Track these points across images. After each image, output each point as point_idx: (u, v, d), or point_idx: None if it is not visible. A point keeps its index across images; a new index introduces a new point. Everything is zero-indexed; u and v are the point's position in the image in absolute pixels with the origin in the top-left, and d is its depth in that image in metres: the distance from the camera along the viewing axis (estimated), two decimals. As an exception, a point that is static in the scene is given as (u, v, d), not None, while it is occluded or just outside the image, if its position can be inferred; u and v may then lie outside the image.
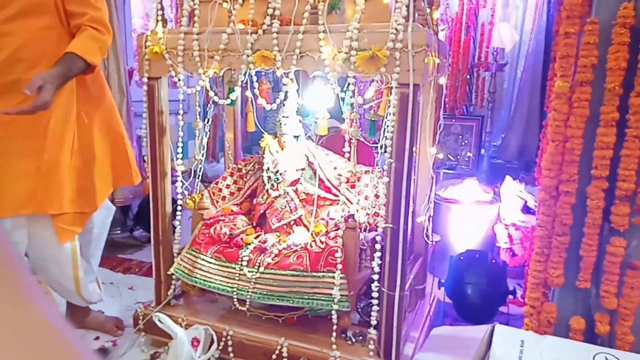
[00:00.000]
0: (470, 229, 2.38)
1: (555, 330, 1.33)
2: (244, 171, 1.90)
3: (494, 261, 2.01)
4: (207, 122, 1.71)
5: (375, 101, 1.46)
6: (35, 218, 1.52)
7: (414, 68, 1.24)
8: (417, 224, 1.74)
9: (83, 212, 1.58)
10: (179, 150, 1.63)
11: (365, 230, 1.52)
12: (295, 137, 1.77)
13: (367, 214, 1.57)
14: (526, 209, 2.41)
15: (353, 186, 1.67)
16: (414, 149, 1.32)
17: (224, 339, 1.57)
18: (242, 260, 1.55)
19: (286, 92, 1.55)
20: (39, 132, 1.45)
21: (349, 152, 1.47)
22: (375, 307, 1.40)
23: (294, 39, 1.35)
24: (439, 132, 1.75)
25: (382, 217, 1.37)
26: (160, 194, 1.66)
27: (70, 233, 1.56)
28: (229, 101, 1.55)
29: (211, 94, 1.51)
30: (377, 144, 1.53)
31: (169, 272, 1.67)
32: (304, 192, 1.75)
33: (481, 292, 1.91)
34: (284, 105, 1.71)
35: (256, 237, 1.66)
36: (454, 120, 3.67)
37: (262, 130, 1.89)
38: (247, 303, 1.54)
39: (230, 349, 1.56)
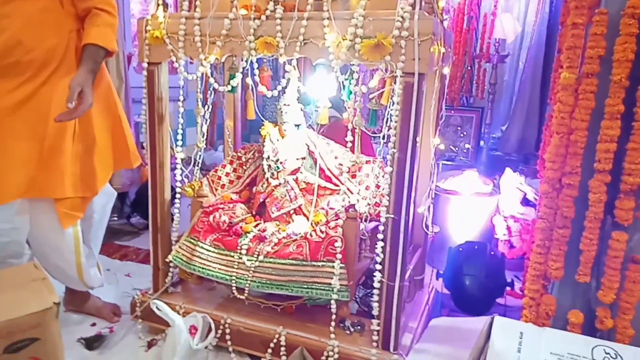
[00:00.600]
0: (469, 221, 2.38)
1: (554, 323, 1.34)
2: (243, 159, 1.88)
3: (492, 253, 2.01)
4: (208, 109, 1.69)
5: (378, 91, 1.44)
6: (37, 203, 1.51)
7: (420, 57, 1.22)
8: (417, 214, 1.73)
9: (84, 197, 1.57)
10: (179, 137, 1.61)
11: (365, 221, 1.51)
12: (296, 125, 1.76)
13: (368, 204, 1.56)
14: (525, 202, 2.41)
15: (354, 176, 1.66)
16: (417, 139, 1.31)
17: (221, 327, 1.57)
18: (241, 249, 1.54)
19: (288, 80, 1.54)
20: (41, 117, 1.44)
21: (352, 142, 1.45)
22: (376, 297, 1.40)
23: (298, 25, 1.33)
24: (440, 123, 1.74)
25: (382, 207, 1.36)
26: (159, 181, 1.64)
27: (72, 218, 1.55)
28: (229, 88, 1.53)
29: (212, 80, 1.49)
30: (376, 133, 1.52)
31: (167, 260, 1.66)
32: (304, 181, 1.74)
33: (479, 283, 1.91)
34: (284, 93, 1.69)
35: (255, 226, 1.65)
36: (453, 112, 3.65)
37: (262, 118, 1.87)
38: (246, 291, 1.53)
39: (228, 337, 1.56)
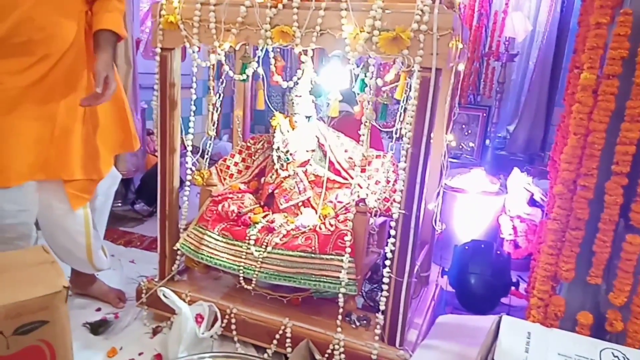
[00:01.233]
0: (475, 219, 2.38)
1: (562, 323, 1.33)
2: (252, 149, 1.87)
3: (498, 252, 2.01)
4: (219, 97, 1.68)
5: (391, 85, 1.43)
6: (46, 185, 1.52)
7: (438, 52, 1.21)
8: (426, 211, 1.73)
9: (92, 180, 1.58)
10: (190, 125, 1.59)
11: (375, 215, 1.50)
12: (307, 117, 1.74)
13: (377, 199, 1.55)
14: (532, 202, 2.41)
15: (363, 170, 1.65)
16: (431, 135, 1.30)
17: (227, 316, 1.56)
18: (249, 239, 1.54)
19: (303, 71, 1.52)
20: (54, 97, 1.45)
21: (364, 135, 1.44)
22: (385, 293, 1.39)
23: (315, 15, 1.31)
24: (452, 120, 1.73)
25: (392, 202, 1.35)
26: (168, 168, 1.63)
27: (82, 199, 1.57)
28: (244, 77, 1.51)
29: (226, 68, 1.47)
30: (387, 128, 1.51)
31: (175, 248, 1.66)
32: (313, 174, 1.73)
33: (485, 282, 1.91)
34: (297, 84, 1.68)
35: (264, 217, 1.65)
36: (459, 109, 3.63)
37: (272, 108, 1.86)
38: (253, 282, 1.53)
39: (233, 326, 1.56)
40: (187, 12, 1.45)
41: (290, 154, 1.72)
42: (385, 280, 1.39)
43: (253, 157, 1.87)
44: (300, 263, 1.46)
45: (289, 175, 1.72)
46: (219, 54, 1.44)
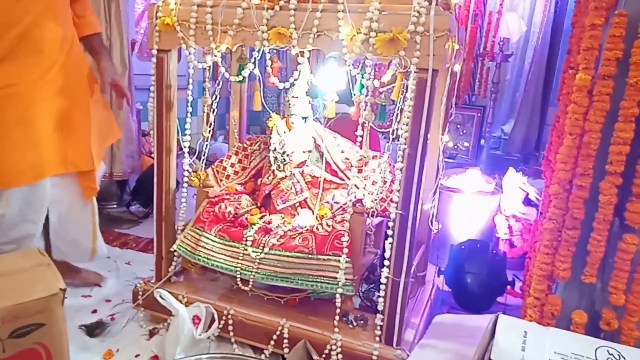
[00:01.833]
0: (471, 219, 2.39)
1: (557, 323, 1.34)
2: (249, 150, 1.87)
3: (494, 251, 2.02)
4: (215, 98, 1.68)
5: (388, 86, 1.43)
6: (59, 181, 1.59)
7: (434, 53, 1.22)
8: (422, 211, 1.73)
9: (95, 170, 1.68)
10: (187, 126, 1.59)
11: (372, 216, 1.51)
12: (303, 118, 1.75)
13: (374, 200, 1.56)
14: (527, 201, 2.42)
15: (360, 171, 1.65)
16: (428, 136, 1.30)
17: (224, 317, 1.56)
18: (246, 240, 1.54)
19: (299, 72, 1.52)
20: (65, 94, 1.54)
21: (361, 136, 1.45)
22: (382, 293, 1.40)
23: (312, 17, 1.32)
24: (449, 120, 1.73)
25: (389, 202, 1.36)
26: (164, 170, 1.63)
27: (93, 190, 1.69)
28: (240, 78, 1.51)
29: (222, 69, 1.47)
30: (383, 129, 1.51)
31: (171, 249, 1.66)
32: (310, 175, 1.74)
33: (481, 281, 1.92)
34: (293, 85, 1.68)
35: (261, 218, 1.64)
36: (455, 110, 3.64)
37: (268, 109, 1.86)
38: (250, 283, 1.53)
39: (230, 327, 1.56)
40: (184, 14, 1.45)
41: (287, 155, 1.73)
42: (383, 280, 1.39)
43: (250, 158, 1.87)
44: (297, 264, 1.46)
45: (286, 176, 1.72)
46: (215, 56, 1.44)
